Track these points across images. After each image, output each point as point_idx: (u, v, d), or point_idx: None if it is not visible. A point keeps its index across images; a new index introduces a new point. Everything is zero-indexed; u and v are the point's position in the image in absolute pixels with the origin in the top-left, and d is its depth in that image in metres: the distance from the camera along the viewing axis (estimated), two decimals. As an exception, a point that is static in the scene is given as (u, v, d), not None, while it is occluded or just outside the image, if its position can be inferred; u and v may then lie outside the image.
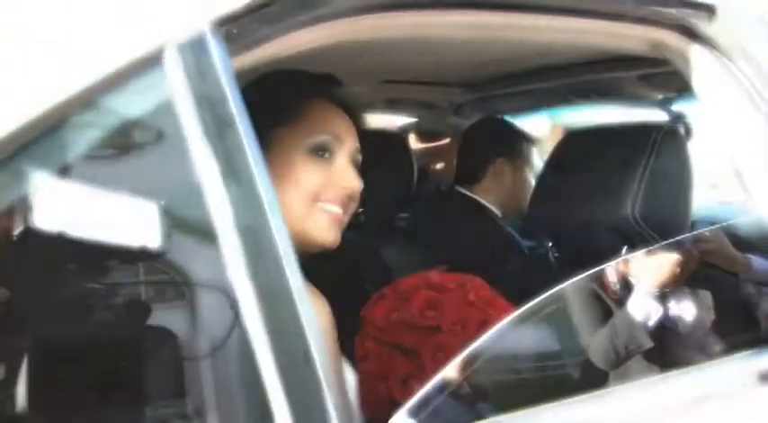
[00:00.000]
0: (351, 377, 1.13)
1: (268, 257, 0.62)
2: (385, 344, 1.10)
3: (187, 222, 0.66)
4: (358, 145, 1.14)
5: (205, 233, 0.62)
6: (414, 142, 3.20)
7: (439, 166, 2.57)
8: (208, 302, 0.71)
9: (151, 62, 0.61)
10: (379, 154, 1.92)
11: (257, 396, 0.59)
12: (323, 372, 0.58)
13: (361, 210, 1.97)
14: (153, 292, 0.73)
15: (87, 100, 0.59)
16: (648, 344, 1.06)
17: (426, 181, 2.53)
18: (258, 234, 0.63)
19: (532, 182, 1.98)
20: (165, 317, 0.73)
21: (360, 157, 1.16)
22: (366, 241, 1.95)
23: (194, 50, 0.63)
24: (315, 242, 1.05)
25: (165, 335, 0.72)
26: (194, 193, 0.61)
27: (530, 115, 2.67)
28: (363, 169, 1.85)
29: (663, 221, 1.21)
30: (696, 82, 1.10)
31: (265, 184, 0.64)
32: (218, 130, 0.62)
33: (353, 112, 1.17)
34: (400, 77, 1.99)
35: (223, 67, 0.63)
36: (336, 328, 1.18)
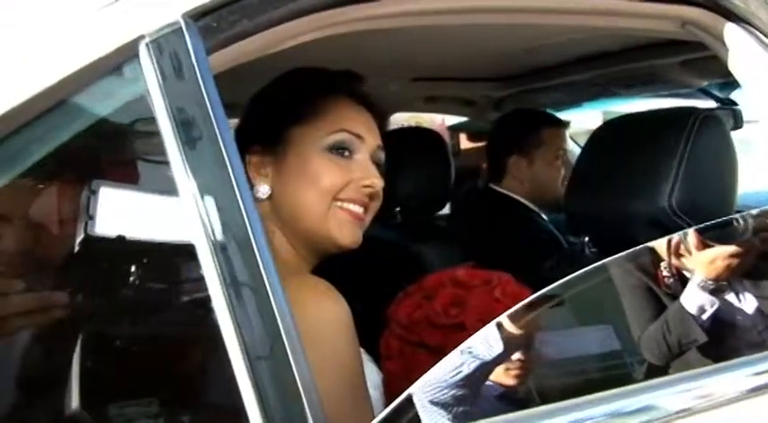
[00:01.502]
0: (376, 376, 1.12)
1: (243, 258, 0.61)
2: (409, 342, 1.08)
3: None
4: (380, 143, 1.12)
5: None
6: (464, 141, 3.17)
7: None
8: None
9: (124, 57, 0.60)
10: (416, 152, 1.93)
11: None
12: (299, 373, 0.57)
13: (398, 209, 1.98)
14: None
15: (58, 95, 0.60)
16: (703, 338, 1.01)
17: (469, 180, 2.51)
18: (235, 234, 0.61)
19: (561, 172, 1.93)
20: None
21: (382, 155, 1.14)
22: (403, 241, 1.94)
23: (169, 45, 0.62)
24: (335, 242, 1.04)
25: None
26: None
27: (574, 108, 2.61)
28: (401, 168, 1.85)
29: (702, 211, 1.14)
30: (733, 63, 1.04)
31: (242, 186, 0.63)
32: (194, 130, 0.61)
33: (376, 110, 1.15)
34: (432, 74, 1.96)
35: (199, 62, 0.61)
36: (371, 328, 1.17)
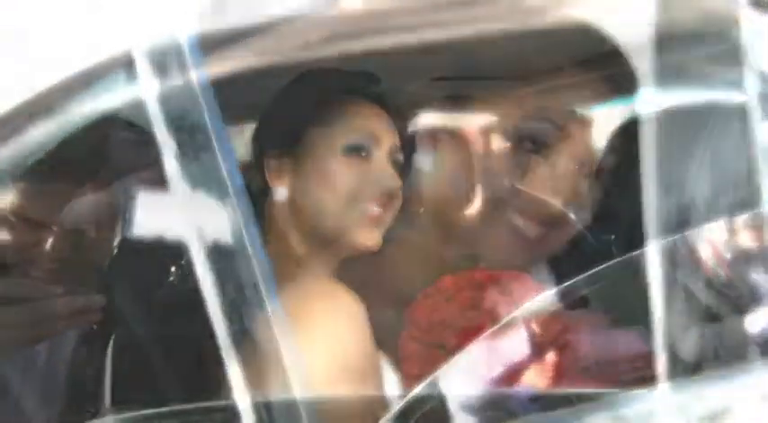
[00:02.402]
0: (394, 378, 1.11)
1: (238, 262, 0.61)
2: (427, 345, 1.08)
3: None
4: (398, 143, 1.13)
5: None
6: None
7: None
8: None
9: (120, 61, 0.61)
10: (442, 152, 1.91)
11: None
12: (292, 371, 0.56)
13: (422, 210, 1.97)
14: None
15: (53, 100, 0.60)
16: (757, 358, 0.98)
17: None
18: (231, 238, 0.62)
19: (585, 170, 1.89)
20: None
21: (400, 156, 1.15)
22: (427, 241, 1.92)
23: (166, 48, 0.61)
24: (355, 243, 1.05)
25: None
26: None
27: (602, 104, 2.56)
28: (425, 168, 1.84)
29: (727, 207, 1.11)
30: (753, 52, 1.01)
31: (238, 192, 0.63)
32: (190, 135, 0.61)
33: (393, 110, 1.16)
34: (453, 73, 1.94)
35: (196, 66, 0.61)
36: (391, 331, 1.16)
